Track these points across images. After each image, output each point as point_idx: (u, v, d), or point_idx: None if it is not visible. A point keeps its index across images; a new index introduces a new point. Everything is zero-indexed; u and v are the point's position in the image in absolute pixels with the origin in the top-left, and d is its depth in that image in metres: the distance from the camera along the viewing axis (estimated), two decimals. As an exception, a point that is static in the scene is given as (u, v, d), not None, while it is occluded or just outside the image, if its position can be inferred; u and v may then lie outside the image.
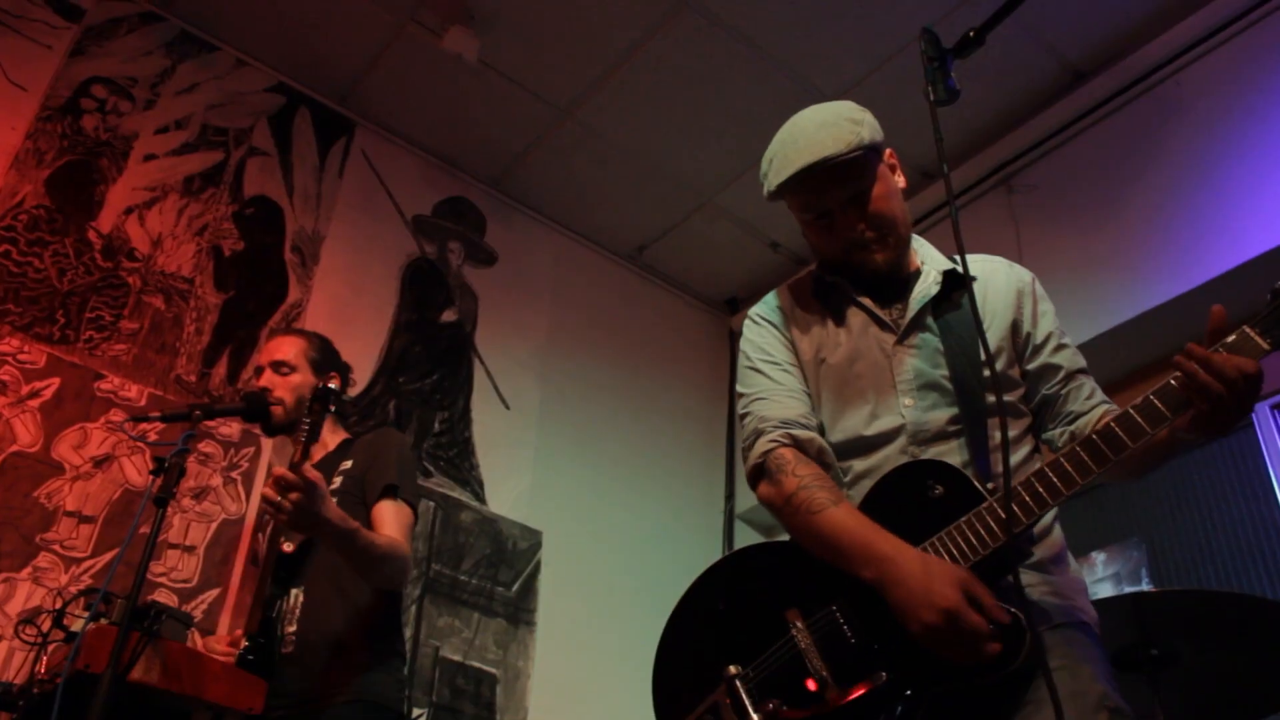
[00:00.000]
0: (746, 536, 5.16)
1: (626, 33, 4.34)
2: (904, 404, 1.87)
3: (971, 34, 1.83)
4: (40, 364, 3.57)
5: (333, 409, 2.52)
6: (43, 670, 2.30)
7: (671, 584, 4.81)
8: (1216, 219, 3.77)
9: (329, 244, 4.46)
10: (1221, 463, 3.70)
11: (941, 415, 1.85)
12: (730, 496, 5.23)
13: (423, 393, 4.46)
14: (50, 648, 2.33)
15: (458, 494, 4.34)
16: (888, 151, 2.02)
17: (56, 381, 3.58)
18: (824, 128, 1.92)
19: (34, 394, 3.52)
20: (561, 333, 5.06)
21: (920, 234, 2.14)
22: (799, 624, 1.75)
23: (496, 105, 4.70)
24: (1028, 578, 1.72)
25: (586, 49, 4.42)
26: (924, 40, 1.84)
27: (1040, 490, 1.63)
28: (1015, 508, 1.63)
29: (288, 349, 2.96)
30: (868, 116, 1.97)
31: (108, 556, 3.43)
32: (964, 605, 1.59)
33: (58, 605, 2.35)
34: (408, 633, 3.87)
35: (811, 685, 1.69)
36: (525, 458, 4.65)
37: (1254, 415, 3.65)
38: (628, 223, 5.29)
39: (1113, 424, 1.61)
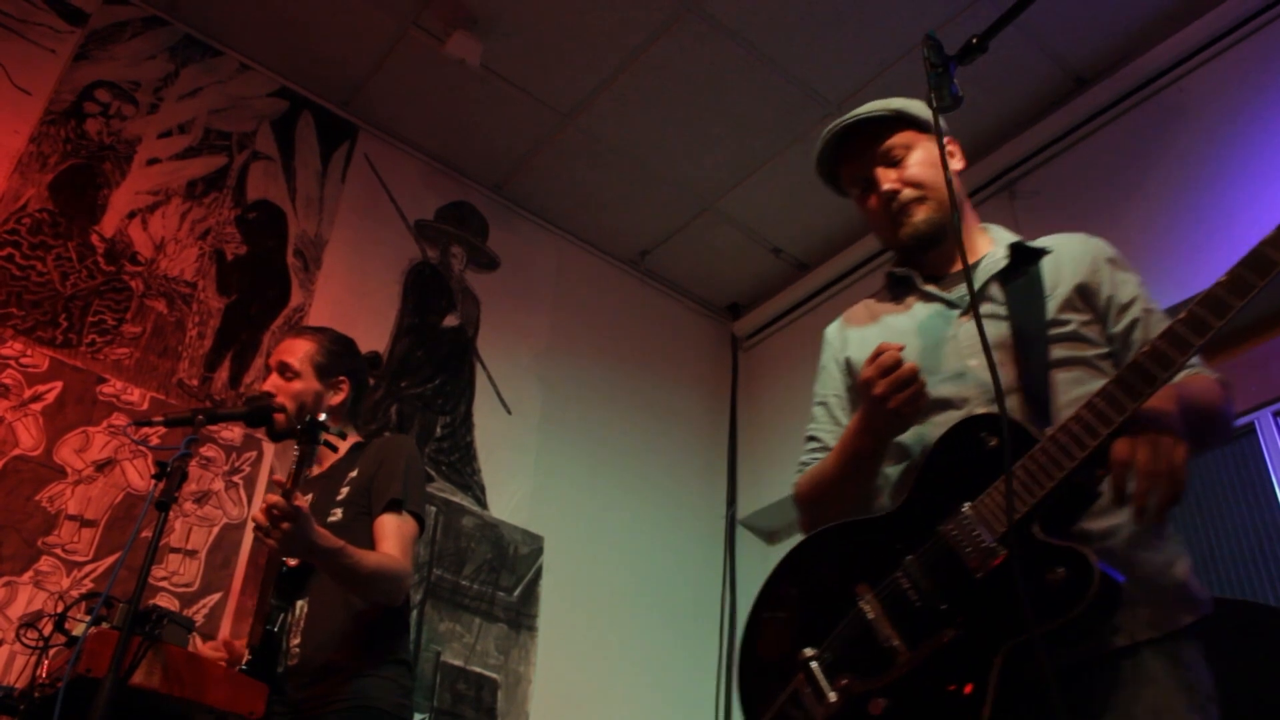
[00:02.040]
0: (748, 542, 5.16)
1: (629, 38, 4.34)
2: (969, 364, 1.87)
3: (975, 40, 1.84)
4: (43, 368, 3.58)
5: (323, 441, 2.52)
6: (44, 674, 2.30)
7: (673, 589, 4.86)
8: (1220, 226, 3.77)
9: (331, 248, 4.46)
10: (1223, 469, 3.69)
11: (1007, 373, 1.83)
12: (732, 502, 5.22)
13: (425, 397, 4.46)
14: (51, 652, 2.33)
15: (459, 499, 4.34)
16: (948, 139, 2.07)
17: (59, 385, 3.58)
18: (867, 104, 2.08)
19: (36, 398, 3.52)
20: (563, 338, 5.06)
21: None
22: (867, 596, 1.73)
23: (499, 110, 4.71)
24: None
25: (589, 54, 4.43)
26: (927, 46, 1.84)
27: (1089, 419, 1.56)
28: (1068, 439, 1.57)
29: (295, 352, 2.93)
30: (919, 102, 2.05)
31: (109, 560, 3.43)
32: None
33: (59, 609, 2.35)
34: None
35: (883, 653, 1.67)
36: (527, 463, 4.65)
37: (1256, 421, 3.65)
38: (630, 228, 5.29)
39: (1158, 341, 1.55)
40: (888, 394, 1.76)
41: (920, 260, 2.08)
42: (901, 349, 1.78)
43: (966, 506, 1.65)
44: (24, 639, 2.36)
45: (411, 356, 4.50)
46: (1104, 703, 1.59)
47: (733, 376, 5.62)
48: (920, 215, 2.01)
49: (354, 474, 2.80)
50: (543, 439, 4.75)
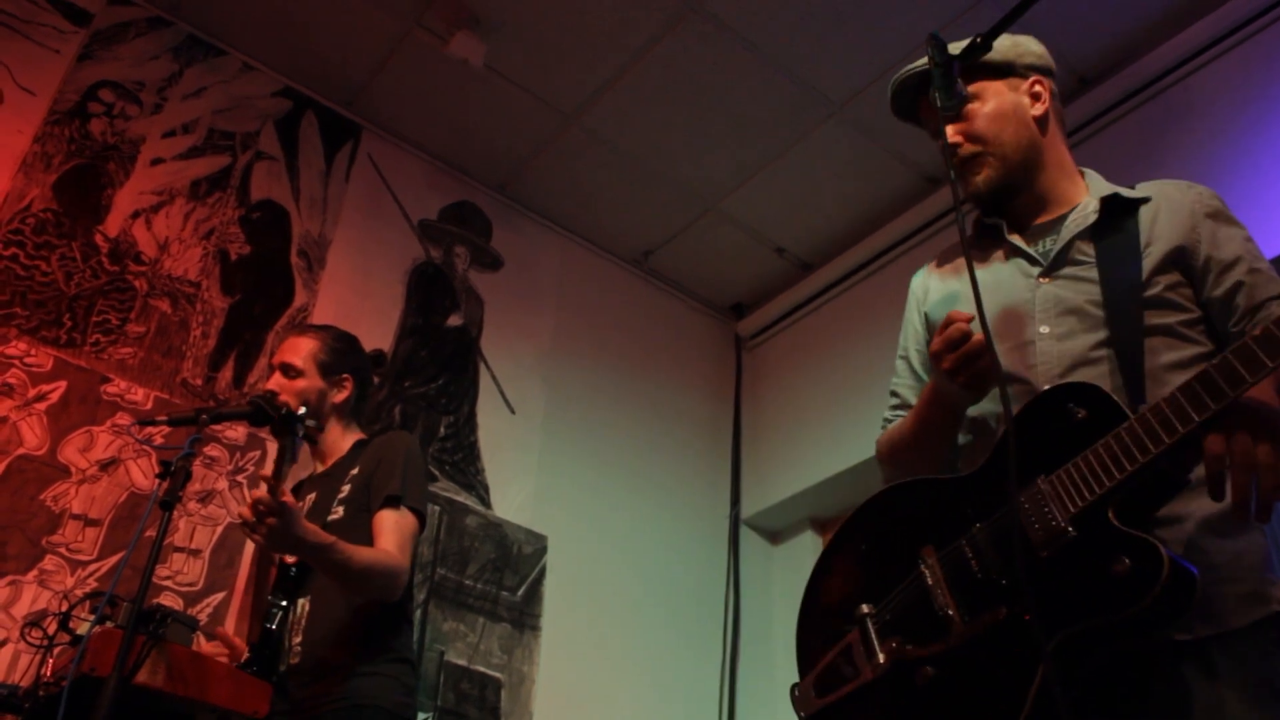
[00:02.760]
0: (752, 542, 5.15)
1: (632, 38, 4.34)
2: (1040, 331, 1.80)
3: (978, 39, 1.83)
4: (47, 367, 3.58)
5: (302, 433, 2.53)
6: (48, 673, 2.31)
7: (677, 589, 4.85)
8: (1223, 225, 3.76)
9: (335, 248, 4.46)
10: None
11: (1081, 341, 1.75)
12: (736, 502, 5.22)
13: (428, 397, 4.46)
14: (56, 650, 2.34)
15: (463, 498, 4.34)
16: (1031, 79, 2.00)
17: (63, 384, 3.59)
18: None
19: (40, 397, 3.53)
20: (567, 337, 5.06)
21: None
22: (930, 559, 1.69)
23: (502, 110, 4.71)
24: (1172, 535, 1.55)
25: (592, 54, 4.43)
26: (931, 46, 1.83)
27: (1183, 402, 1.43)
28: (1157, 421, 1.45)
29: (298, 351, 2.95)
30: (1009, 40, 1.96)
31: (113, 559, 3.43)
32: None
33: (63, 608, 2.36)
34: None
35: (937, 621, 1.63)
36: (530, 462, 4.65)
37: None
38: (633, 228, 5.29)
39: (1273, 326, 1.38)
40: (955, 369, 1.73)
41: (1007, 207, 1.99)
42: (970, 319, 1.72)
43: (1042, 480, 1.57)
44: (29, 638, 2.36)
45: (415, 356, 4.51)
46: (1160, 696, 1.53)
47: (736, 376, 5.62)
48: (979, 175, 1.93)
49: (355, 471, 2.81)
50: (546, 439, 4.75)
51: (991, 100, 1.95)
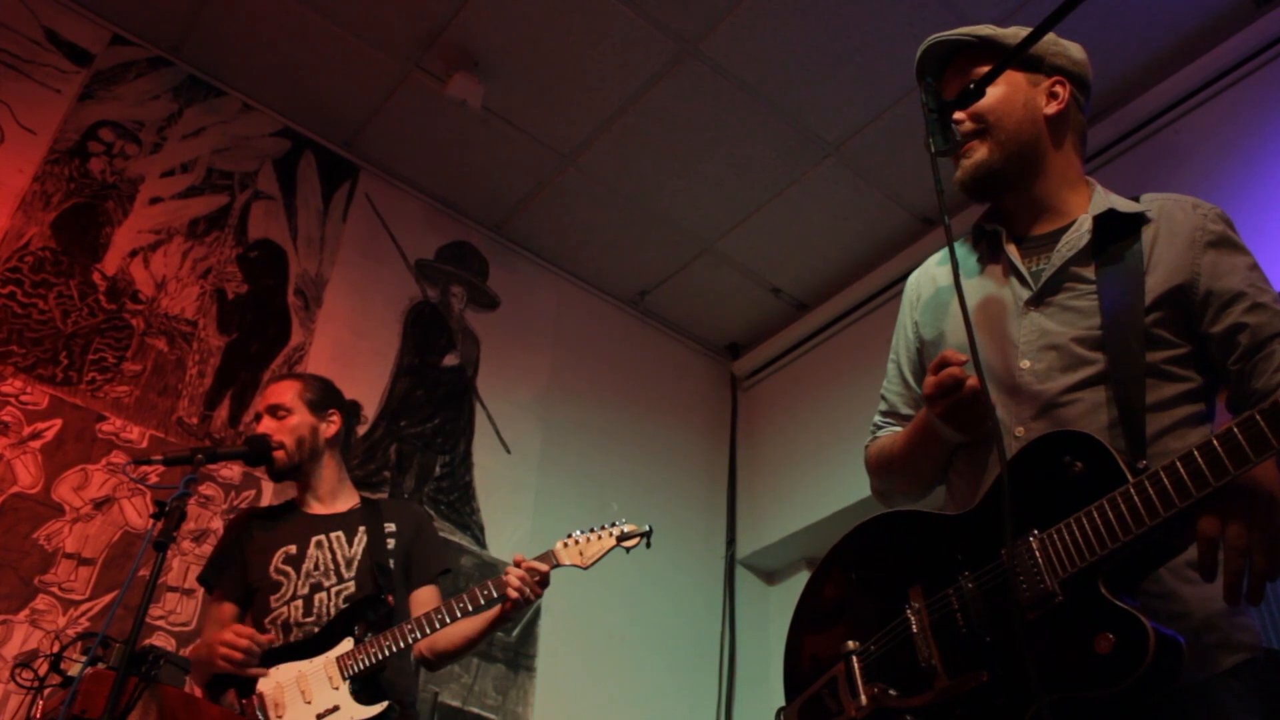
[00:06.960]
0: (747, 582, 5.13)
1: (629, 80, 4.38)
2: (1021, 366, 1.74)
3: (971, 85, 1.84)
4: (42, 405, 3.58)
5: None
6: (38, 715, 2.29)
7: (672, 629, 4.81)
8: (1216, 267, 3.77)
9: (332, 287, 4.47)
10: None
11: (1058, 382, 1.70)
12: (731, 542, 5.20)
13: (424, 436, 4.46)
14: (46, 692, 2.32)
15: (458, 538, 4.32)
16: (1054, 79, 1.92)
17: (58, 423, 3.58)
18: (965, 28, 1.94)
19: (36, 435, 3.52)
20: (563, 377, 5.07)
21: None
22: (917, 604, 1.65)
23: (499, 151, 4.74)
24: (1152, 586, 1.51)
25: (589, 96, 4.46)
26: (924, 91, 1.84)
27: (1184, 475, 1.37)
28: (1156, 491, 1.39)
29: (283, 393, 3.03)
30: (1049, 36, 1.86)
31: (106, 599, 3.41)
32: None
33: (55, 649, 2.34)
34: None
35: (920, 672, 1.59)
36: (526, 502, 4.64)
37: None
38: (629, 268, 5.31)
39: None
40: (947, 414, 1.72)
41: (1001, 207, 1.93)
42: (965, 361, 1.67)
43: (1034, 537, 1.52)
44: (19, 679, 2.34)
45: (411, 396, 4.50)
46: None
47: (732, 416, 5.61)
48: (973, 157, 1.87)
49: (393, 529, 2.96)
50: (542, 478, 4.74)
51: (1005, 84, 1.88)
